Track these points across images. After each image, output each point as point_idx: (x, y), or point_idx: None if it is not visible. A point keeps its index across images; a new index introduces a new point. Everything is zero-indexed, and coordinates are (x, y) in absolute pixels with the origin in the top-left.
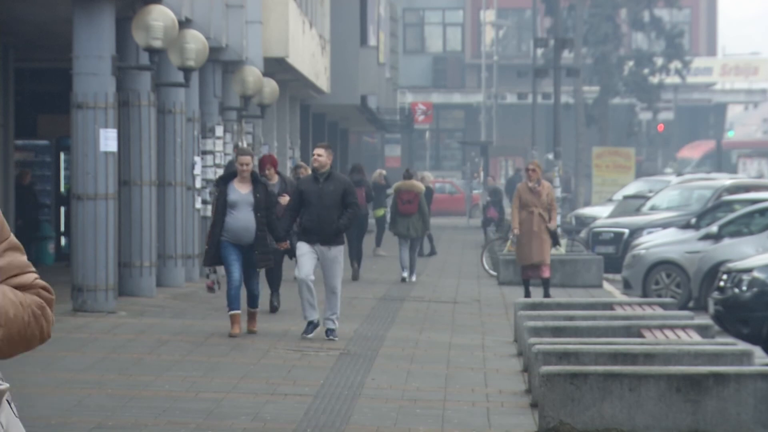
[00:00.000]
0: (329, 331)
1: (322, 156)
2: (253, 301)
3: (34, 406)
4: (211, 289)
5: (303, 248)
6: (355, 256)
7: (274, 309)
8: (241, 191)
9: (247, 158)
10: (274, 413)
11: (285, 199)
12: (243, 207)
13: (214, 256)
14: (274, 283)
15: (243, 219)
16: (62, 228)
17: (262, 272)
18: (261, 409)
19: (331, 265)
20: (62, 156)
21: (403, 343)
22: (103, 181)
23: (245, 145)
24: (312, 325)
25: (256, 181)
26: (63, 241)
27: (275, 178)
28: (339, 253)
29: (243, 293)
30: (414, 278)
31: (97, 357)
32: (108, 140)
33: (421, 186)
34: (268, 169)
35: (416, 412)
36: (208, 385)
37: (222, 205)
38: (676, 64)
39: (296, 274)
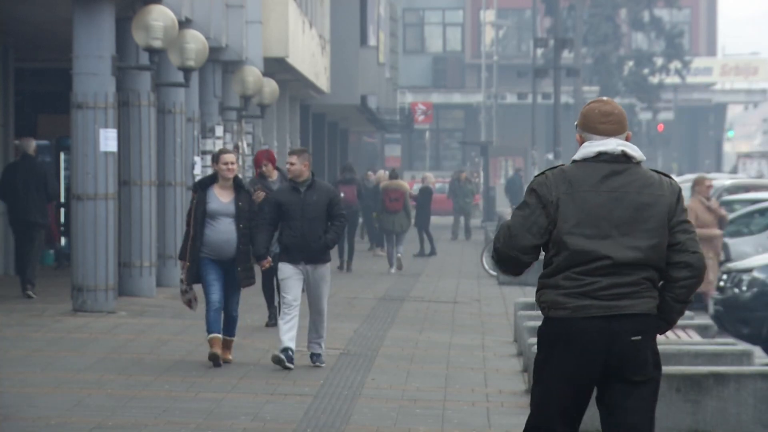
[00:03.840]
0: (315, 356)
1: (295, 164)
2: (230, 326)
3: (34, 406)
4: (188, 304)
5: (287, 270)
6: (347, 251)
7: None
8: (222, 199)
9: (231, 156)
10: (273, 413)
11: (260, 195)
12: (223, 217)
13: (196, 274)
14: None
15: (223, 231)
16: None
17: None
18: (261, 409)
19: (318, 284)
20: (62, 156)
21: (402, 343)
22: (103, 181)
23: (245, 145)
24: (286, 354)
25: (239, 188)
26: (63, 241)
27: (274, 175)
28: (327, 271)
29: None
30: (393, 270)
31: (97, 357)
32: (108, 140)
33: (406, 185)
34: (265, 165)
35: (416, 412)
36: (207, 385)
37: (201, 215)
38: (675, 64)
39: (283, 299)
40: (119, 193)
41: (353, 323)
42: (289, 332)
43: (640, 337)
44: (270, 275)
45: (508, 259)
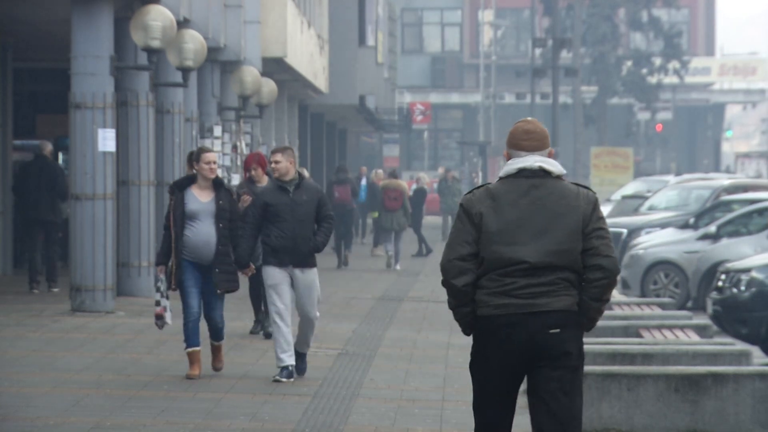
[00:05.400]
0: (299, 369)
1: (280, 162)
2: (216, 333)
3: (33, 406)
4: (160, 318)
5: (275, 275)
6: (343, 247)
7: (268, 336)
8: (201, 199)
9: (214, 155)
10: (272, 413)
11: (246, 200)
12: (203, 218)
13: (179, 278)
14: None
15: (204, 232)
16: None
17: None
18: (259, 409)
19: (308, 291)
20: (60, 156)
21: (401, 342)
22: (101, 181)
23: (243, 145)
24: (287, 371)
25: (220, 187)
26: None
27: (264, 180)
28: (315, 276)
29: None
30: (398, 267)
31: (95, 357)
32: (106, 140)
33: (405, 185)
34: (254, 169)
35: (414, 412)
36: (206, 385)
37: (180, 217)
38: (674, 64)
39: (271, 308)
40: (118, 193)
41: (352, 323)
42: (287, 349)
43: (558, 330)
44: (258, 281)
45: (451, 268)
